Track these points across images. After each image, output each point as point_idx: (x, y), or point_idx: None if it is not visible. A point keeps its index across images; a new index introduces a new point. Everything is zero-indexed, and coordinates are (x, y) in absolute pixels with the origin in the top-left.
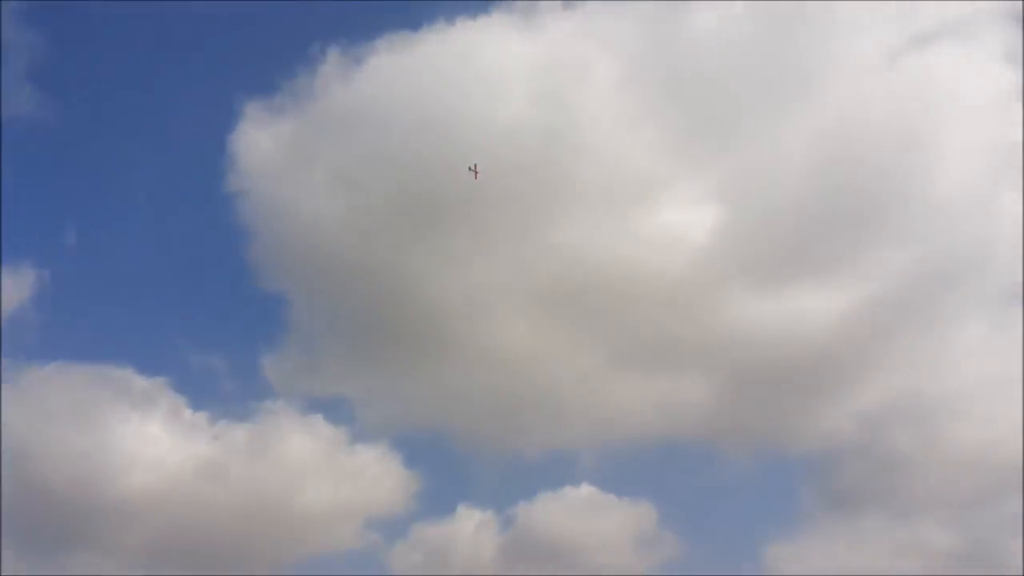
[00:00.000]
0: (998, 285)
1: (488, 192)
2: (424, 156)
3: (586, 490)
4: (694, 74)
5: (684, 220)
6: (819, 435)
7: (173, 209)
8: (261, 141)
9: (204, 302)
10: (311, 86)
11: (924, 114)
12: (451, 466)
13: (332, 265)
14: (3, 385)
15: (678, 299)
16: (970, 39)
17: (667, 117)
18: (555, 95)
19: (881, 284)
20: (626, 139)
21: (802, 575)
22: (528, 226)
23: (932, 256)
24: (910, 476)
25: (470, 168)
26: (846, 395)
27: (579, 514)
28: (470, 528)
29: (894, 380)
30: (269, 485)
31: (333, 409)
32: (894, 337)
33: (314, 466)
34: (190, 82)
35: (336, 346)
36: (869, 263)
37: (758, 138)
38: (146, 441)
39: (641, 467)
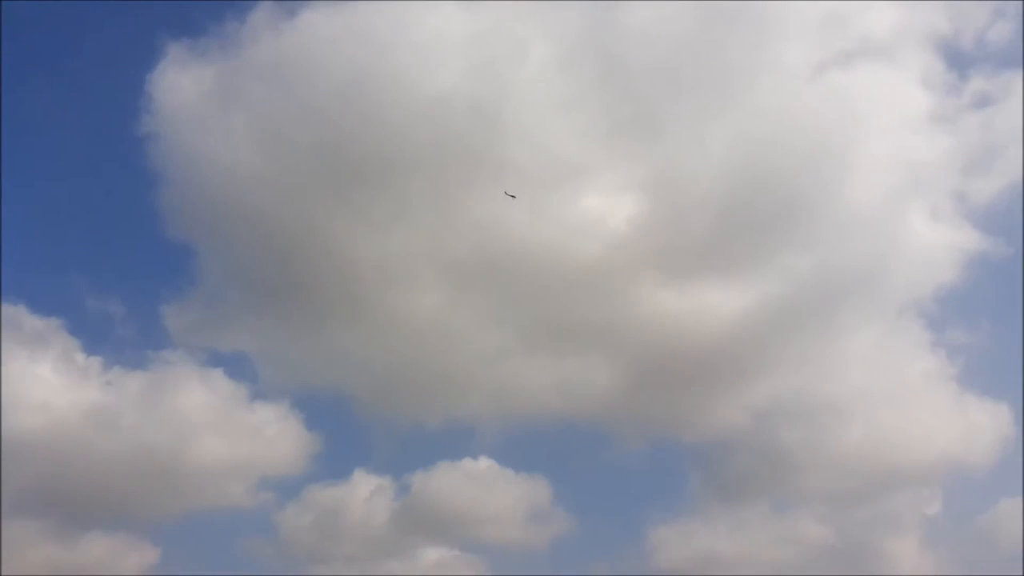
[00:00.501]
0: (892, 298)
1: (412, 160)
2: (350, 118)
3: (484, 463)
4: (627, 66)
5: (604, 207)
6: (712, 426)
7: (81, 145)
8: (182, 84)
9: (107, 245)
10: (240, 33)
11: (841, 127)
12: (351, 430)
13: (245, 218)
14: None
15: (591, 284)
16: (891, 60)
17: (597, 105)
18: (488, 71)
19: (784, 286)
20: (555, 122)
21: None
22: (449, 198)
23: (834, 264)
24: (793, 471)
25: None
26: (740, 390)
27: (475, 486)
28: (365, 493)
29: (787, 379)
30: (161, 437)
31: (234, 365)
32: (790, 338)
33: (210, 421)
34: (112, 16)
35: (242, 301)
36: (775, 265)
37: (683, 134)
38: (34, 382)
39: (540, 444)
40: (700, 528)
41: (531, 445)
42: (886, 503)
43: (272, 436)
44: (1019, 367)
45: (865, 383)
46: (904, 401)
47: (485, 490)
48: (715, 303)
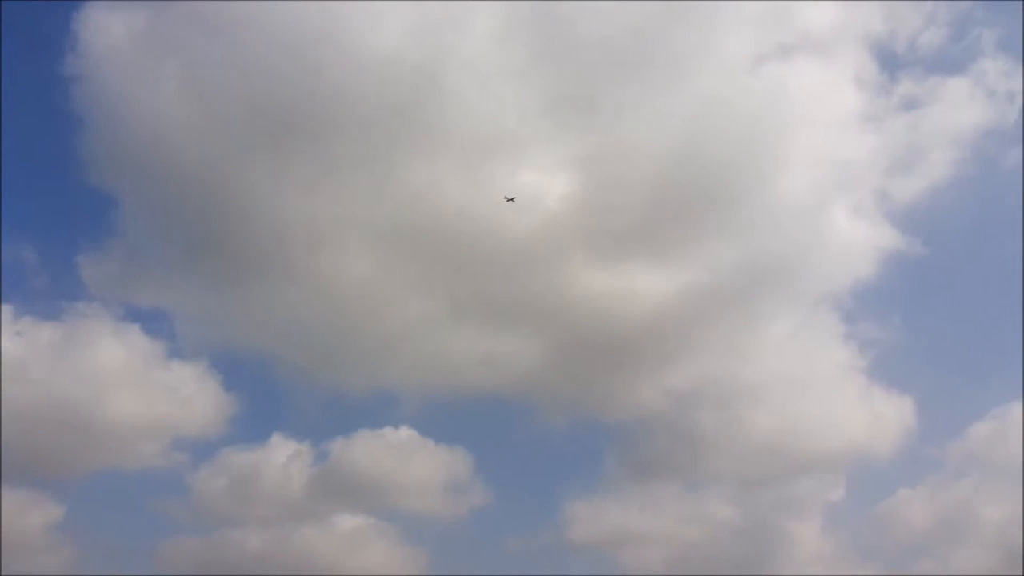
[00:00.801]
0: (811, 289)
1: (348, 120)
2: (287, 72)
3: (406, 432)
4: (571, 42)
5: (540, 183)
6: (631, 406)
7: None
8: (111, 25)
9: (23, 189)
10: None
11: (776, 120)
12: (271, 394)
13: (173, 170)
14: None
15: (522, 260)
16: (828, 57)
17: (540, 80)
18: (433, 35)
19: (710, 273)
20: (497, 93)
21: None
22: (385, 162)
23: (759, 254)
24: (706, 453)
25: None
26: (662, 372)
27: (395, 455)
28: (282, 458)
29: (706, 364)
30: (71, 391)
31: (152, 321)
32: (713, 324)
33: (124, 378)
34: None
35: (164, 255)
36: (702, 252)
37: (621, 116)
38: None
39: (462, 416)
40: (614, 505)
41: (453, 417)
42: (792, 487)
43: (188, 396)
44: (924, 363)
45: (780, 371)
46: (815, 390)
47: (405, 460)
48: (643, 286)
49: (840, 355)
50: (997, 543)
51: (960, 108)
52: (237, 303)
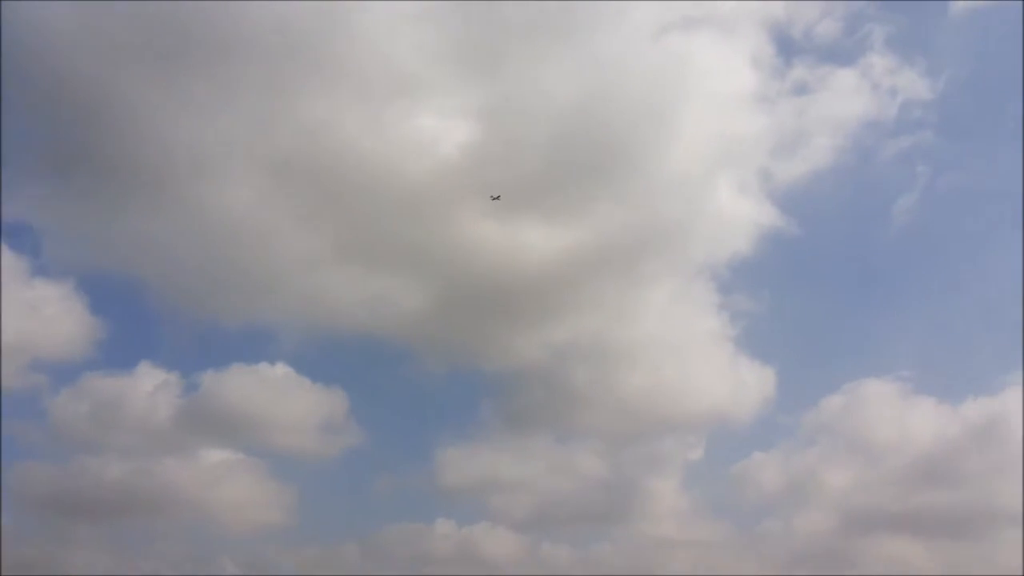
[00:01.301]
0: (692, 259)
1: (246, 47)
2: None
3: (281, 369)
4: None
5: (438, 129)
6: (510, 357)
7: None
8: None
9: None
10: None
11: (673, 91)
12: (141, 320)
13: (53, 78)
14: None
15: (415, 205)
16: (729, 34)
17: (447, 26)
18: None
19: (597, 234)
20: (403, 34)
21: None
22: (280, 93)
23: (647, 220)
24: (578, 407)
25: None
26: (543, 326)
27: (269, 392)
28: (149, 387)
29: (587, 321)
30: None
31: (15, 236)
32: (596, 284)
33: None
34: None
35: (33, 166)
36: (592, 213)
37: (524, 71)
38: None
39: (341, 357)
40: (486, 452)
41: (332, 356)
42: (656, 445)
43: (51, 316)
44: (788, 337)
45: (656, 334)
46: (687, 355)
47: (279, 396)
48: (532, 241)
49: (712, 323)
50: (836, 507)
51: (846, 98)
52: (111, 224)
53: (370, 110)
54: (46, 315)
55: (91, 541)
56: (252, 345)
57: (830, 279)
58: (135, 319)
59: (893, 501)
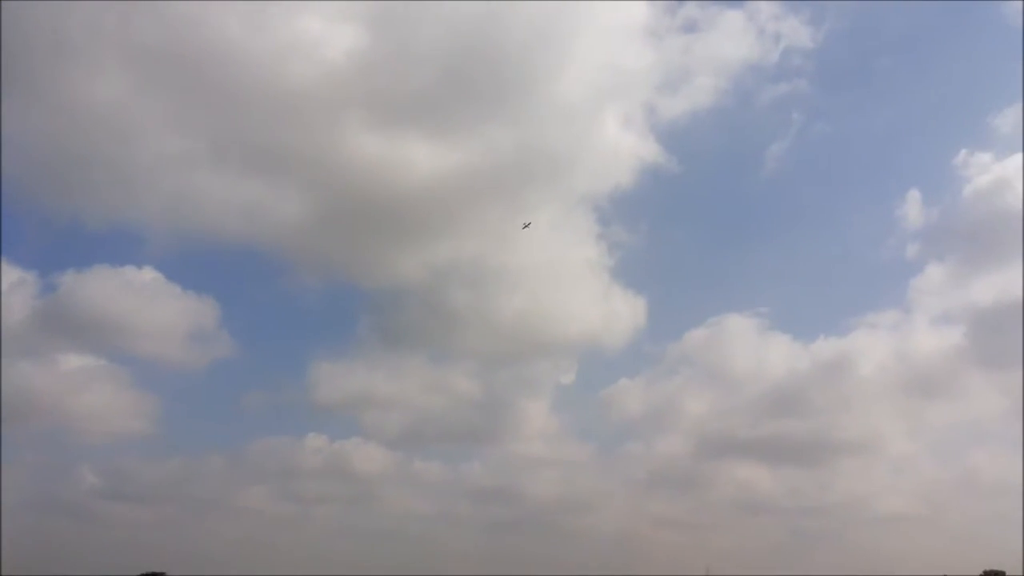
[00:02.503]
0: (574, 188)
1: None
2: None
3: (149, 274)
4: None
5: (323, 32)
6: (389, 276)
7: None
8: None
9: None
10: None
11: (567, 19)
12: None
13: None
14: None
15: (297, 111)
16: None
17: None
18: None
19: (483, 157)
20: None
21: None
22: None
23: (532, 146)
24: (454, 328)
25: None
26: (423, 246)
27: (135, 296)
28: (2, 285)
29: (467, 243)
30: None
31: None
32: (479, 206)
33: None
34: None
35: None
36: (479, 135)
37: None
38: None
39: (214, 264)
40: (361, 369)
41: (204, 264)
42: (529, 368)
43: None
44: (661, 270)
45: (535, 260)
46: (563, 282)
47: (145, 302)
48: (417, 158)
49: (590, 252)
50: (692, 432)
51: (731, 39)
52: None
53: (251, 7)
54: None
55: None
56: (118, 247)
57: (704, 217)
58: None
59: (746, 429)
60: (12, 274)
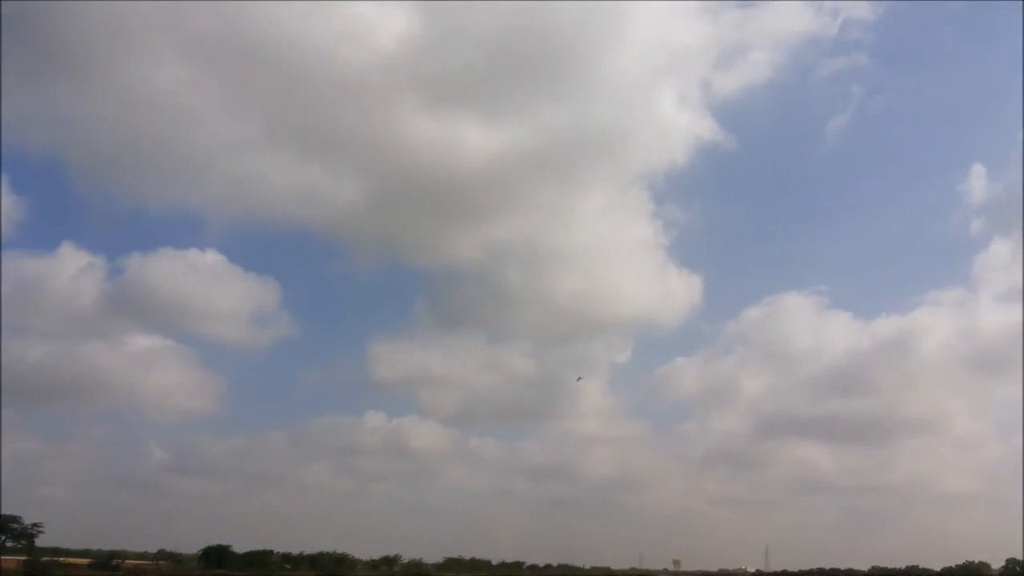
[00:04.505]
0: (629, 166)
1: None
2: None
3: (212, 257)
4: None
5: (375, 17)
6: (445, 256)
7: None
8: None
9: None
10: None
11: None
12: (63, 200)
13: None
14: None
15: (351, 94)
16: None
17: None
18: None
19: (536, 136)
20: None
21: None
22: None
23: (586, 124)
24: (511, 308)
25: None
26: (478, 226)
27: (200, 279)
28: (72, 269)
29: (522, 223)
30: None
31: None
32: (533, 186)
33: None
34: None
35: None
36: (532, 114)
37: None
38: None
39: (273, 247)
40: (417, 348)
41: (264, 247)
42: (585, 347)
43: None
44: (717, 249)
45: (589, 239)
46: (618, 261)
47: (210, 284)
48: (471, 139)
49: (645, 231)
50: (749, 411)
51: (788, 13)
52: (30, 99)
53: None
54: None
55: (17, 424)
56: (181, 230)
57: (761, 194)
58: (57, 199)
59: (804, 407)
60: (81, 258)
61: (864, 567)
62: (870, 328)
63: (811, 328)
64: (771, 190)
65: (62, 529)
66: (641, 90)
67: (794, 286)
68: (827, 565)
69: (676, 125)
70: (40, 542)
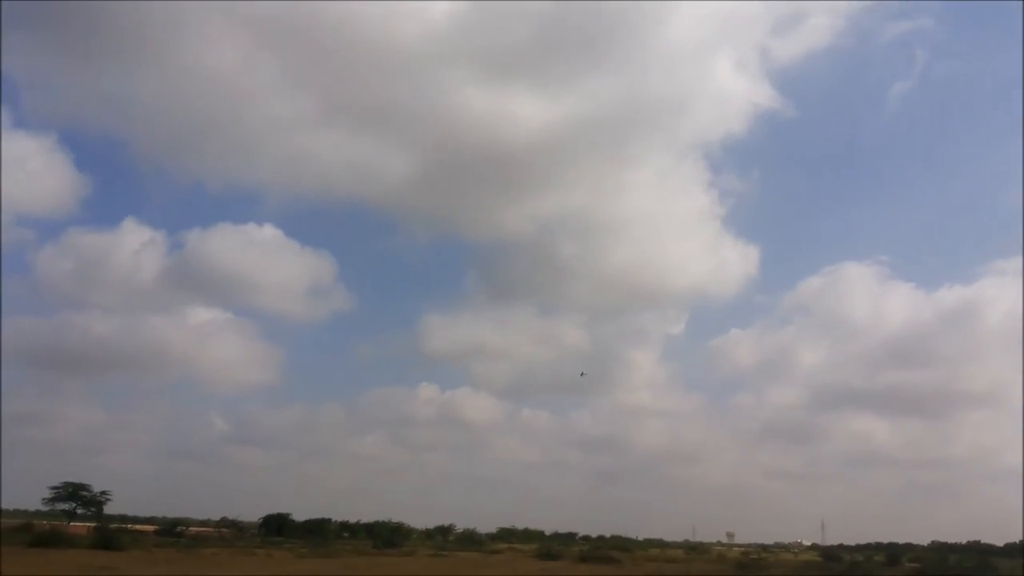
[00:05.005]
0: (685, 136)
1: None
2: None
3: (270, 231)
4: None
5: None
6: (496, 229)
7: None
8: None
9: None
10: None
11: None
12: (125, 177)
13: None
14: None
15: (402, 69)
16: None
17: None
18: None
19: (589, 107)
20: None
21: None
22: None
23: (640, 95)
24: (562, 281)
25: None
26: (530, 198)
27: (258, 253)
28: (134, 244)
29: (573, 195)
30: None
31: None
32: (586, 157)
33: None
34: None
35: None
36: (584, 86)
37: None
38: None
39: (328, 221)
40: (470, 321)
41: (320, 221)
42: (638, 319)
43: (35, 171)
44: (775, 218)
45: (643, 210)
46: (673, 231)
47: (268, 258)
48: (521, 111)
49: (701, 201)
50: (806, 383)
51: None
52: (92, 78)
53: None
54: (30, 169)
55: (82, 395)
56: (238, 205)
57: (820, 162)
58: (119, 176)
59: (862, 380)
60: (143, 233)
61: (924, 542)
62: (932, 299)
63: (871, 298)
64: (831, 158)
65: (128, 497)
66: (696, 59)
67: (854, 256)
68: (885, 539)
69: (733, 93)
70: (107, 510)
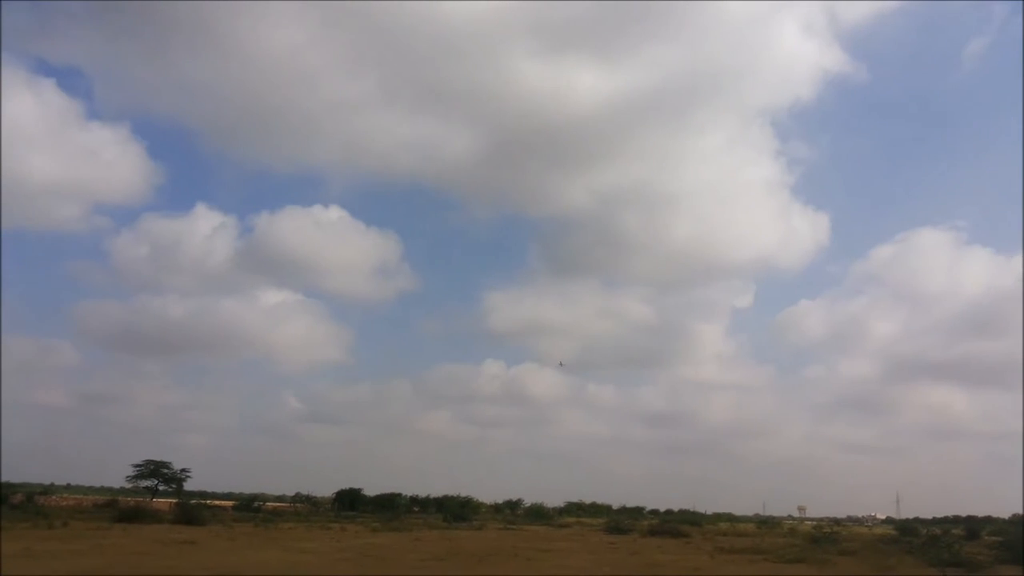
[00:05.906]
0: (750, 103)
1: None
2: None
3: (336, 212)
4: None
5: None
6: (557, 204)
7: None
8: None
9: None
10: None
11: None
12: (196, 163)
13: None
14: None
15: (461, 47)
16: None
17: None
18: None
19: (649, 77)
20: None
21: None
22: None
23: (702, 63)
24: (625, 254)
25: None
26: (591, 172)
27: (325, 234)
28: (206, 229)
29: (635, 167)
30: None
31: (68, 78)
32: (648, 129)
33: (39, 135)
34: None
35: (76, 9)
36: (644, 55)
37: None
38: None
39: (392, 201)
40: (532, 297)
41: (383, 201)
42: (704, 291)
43: (110, 160)
44: (846, 185)
45: (708, 180)
46: (739, 202)
47: (334, 239)
48: (581, 84)
49: (769, 170)
50: (879, 354)
51: None
52: (159, 68)
53: None
54: (105, 159)
55: (159, 376)
56: (303, 188)
57: (893, 126)
58: (190, 162)
59: (939, 350)
60: (214, 218)
61: (1004, 515)
62: (1012, 264)
63: (948, 265)
64: (904, 121)
65: (206, 474)
66: (760, 23)
67: (929, 222)
68: (963, 512)
69: (800, 58)
70: (187, 486)
